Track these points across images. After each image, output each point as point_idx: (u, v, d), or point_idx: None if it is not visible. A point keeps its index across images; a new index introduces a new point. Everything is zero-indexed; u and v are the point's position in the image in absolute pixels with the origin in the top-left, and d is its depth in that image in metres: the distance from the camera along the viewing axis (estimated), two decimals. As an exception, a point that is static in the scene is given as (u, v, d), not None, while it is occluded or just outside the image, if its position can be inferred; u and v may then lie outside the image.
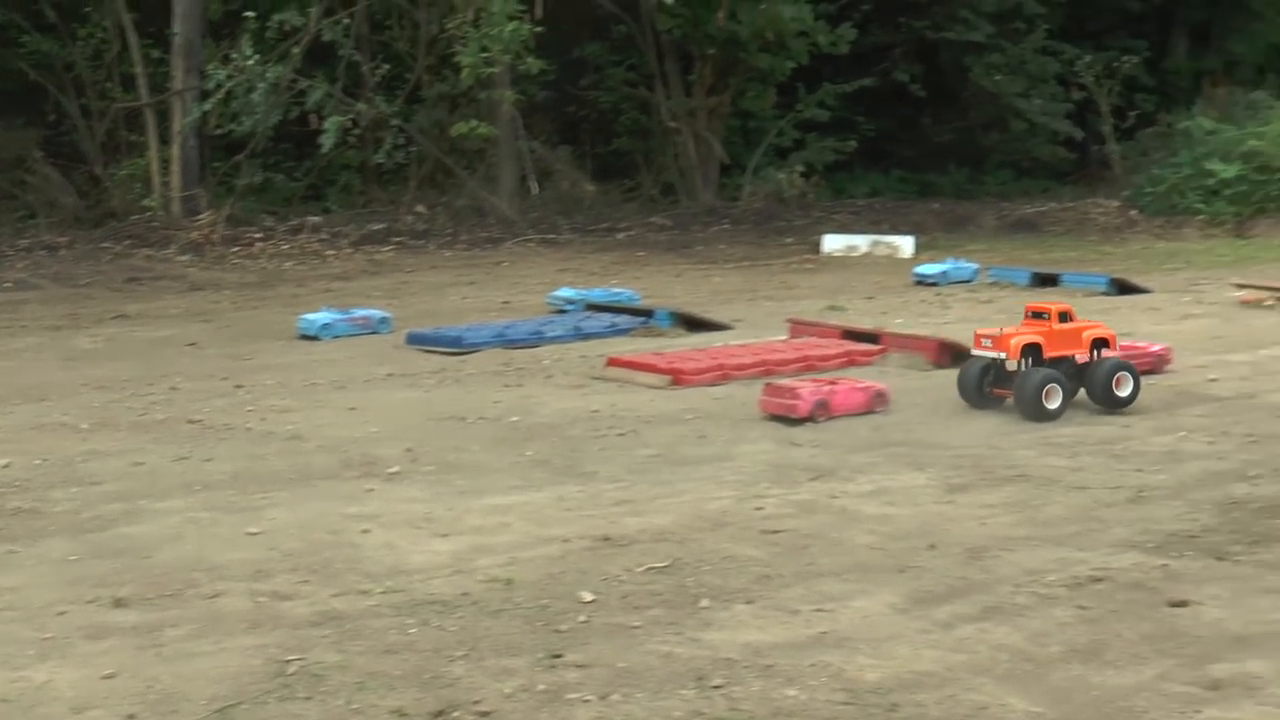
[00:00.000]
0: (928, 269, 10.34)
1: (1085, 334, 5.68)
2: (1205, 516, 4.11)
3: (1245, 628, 3.24)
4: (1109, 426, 5.35)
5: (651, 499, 4.43)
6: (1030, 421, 5.36)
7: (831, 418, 5.46)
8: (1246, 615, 3.31)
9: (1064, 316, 5.68)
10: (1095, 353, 5.68)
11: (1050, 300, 6.39)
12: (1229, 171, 14.19)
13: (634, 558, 3.82)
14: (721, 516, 4.21)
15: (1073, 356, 5.62)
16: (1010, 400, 5.48)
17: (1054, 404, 5.42)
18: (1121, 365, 5.59)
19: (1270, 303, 8.71)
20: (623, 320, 8.11)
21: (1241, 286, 9.18)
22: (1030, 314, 5.76)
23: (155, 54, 14.29)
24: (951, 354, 6.69)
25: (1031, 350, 5.57)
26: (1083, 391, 5.58)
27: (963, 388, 5.68)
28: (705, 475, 4.71)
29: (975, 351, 5.67)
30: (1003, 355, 5.56)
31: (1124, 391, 5.56)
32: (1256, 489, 4.40)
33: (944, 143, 17.95)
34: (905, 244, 12.49)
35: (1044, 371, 5.47)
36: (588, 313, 8.44)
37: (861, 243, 12.60)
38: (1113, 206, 15.17)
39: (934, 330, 7.66)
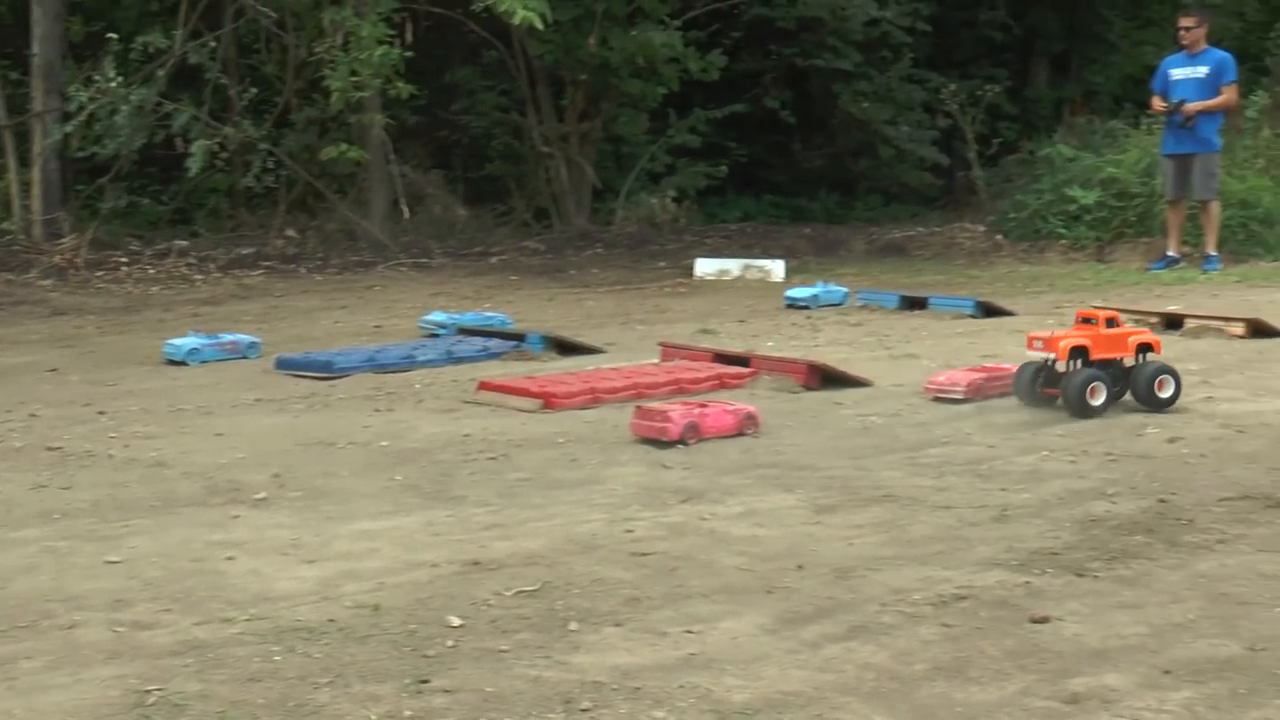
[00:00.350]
0: (799, 292, 10.43)
1: (1131, 339, 6.17)
2: (1066, 534, 4.19)
3: (1103, 642, 3.30)
4: (975, 447, 5.43)
5: (521, 523, 4.40)
6: (1077, 418, 5.78)
7: (702, 440, 5.48)
8: (1104, 630, 3.37)
9: (1111, 323, 6.16)
10: (1140, 356, 6.14)
11: (1099, 308, 6.79)
12: (1089, 198, 14.50)
13: (503, 581, 3.80)
14: (591, 539, 4.20)
15: (1119, 359, 6.09)
16: (1060, 399, 5.94)
17: (1098, 401, 5.87)
18: (1164, 369, 6.04)
19: (1129, 324, 8.90)
20: (495, 344, 8.08)
21: (1100, 309, 9.36)
22: (1080, 319, 6.25)
23: (14, 75, 13.99)
24: (821, 376, 6.76)
25: (1079, 352, 6.00)
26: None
27: (1018, 387, 6.13)
28: (576, 498, 4.70)
29: (1028, 353, 6.12)
30: (1053, 356, 6.01)
31: (1166, 393, 6.01)
32: (1115, 506, 4.49)
33: (815, 168, 18.17)
34: (777, 268, 12.59)
35: (1089, 371, 5.91)
36: (460, 337, 8.39)
37: (733, 266, 12.68)
38: (979, 231, 15.43)
39: (805, 353, 7.73)
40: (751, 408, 5.77)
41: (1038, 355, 6.08)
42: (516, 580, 3.81)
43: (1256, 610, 3.50)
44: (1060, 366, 6.05)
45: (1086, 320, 6.22)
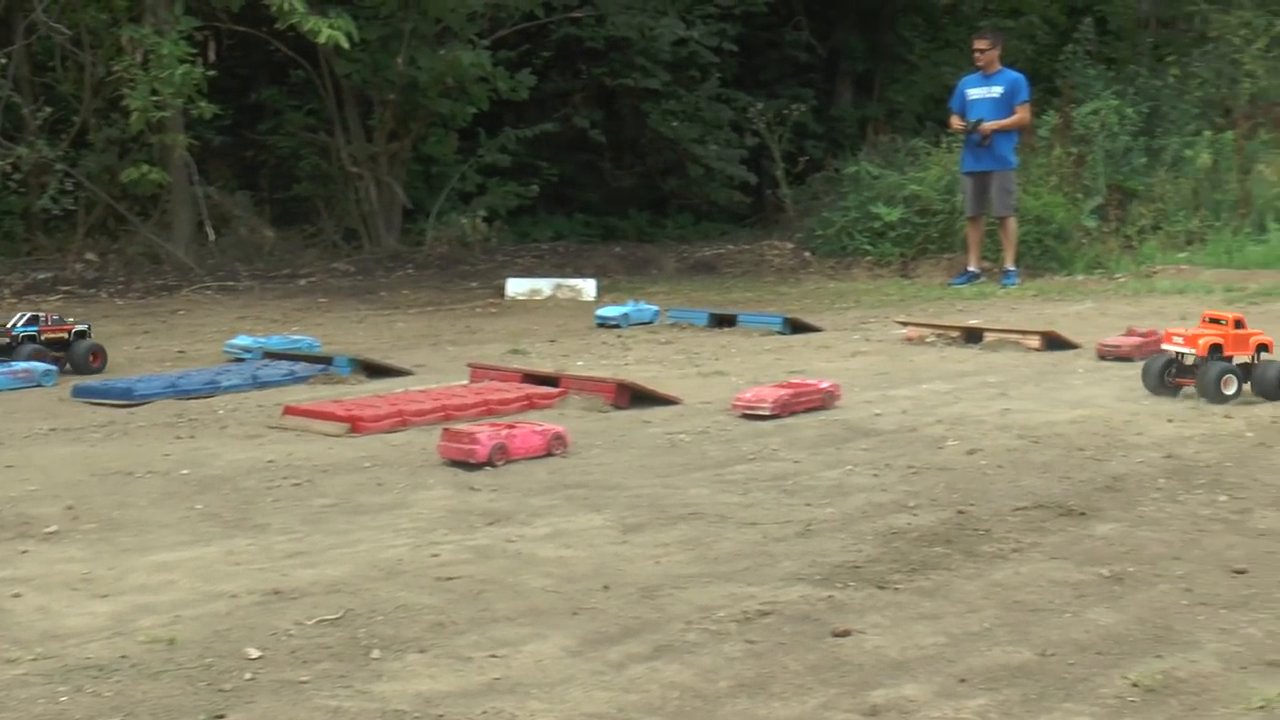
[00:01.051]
0: (609, 311, 10.46)
1: (1252, 339, 6.75)
2: (869, 547, 4.26)
3: (902, 653, 3.35)
4: (781, 463, 5.49)
5: (325, 550, 4.32)
6: (1211, 404, 6.47)
7: (510, 461, 5.45)
8: (904, 641, 3.43)
9: (1238, 324, 6.82)
10: (1258, 355, 6.78)
11: (1227, 310, 7.53)
12: (893, 214, 14.82)
13: (304, 611, 3.72)
14: (396, 565, 4.14)
15: (1247, 357, 6.70)
16: (1191, 388, 6.70)
17: (1230, 390, 6.58)
18: None
19: (931, 339, 9.11)
20: (301, 368, 7.93)
21: (905, 324, 9.57)
22: (1208, 319, 6.89)
23: None
24: (630, 395, 6.78)
25: (1215, 349, 6.62)
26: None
27: (1147, 378, 6.87)
28: (381, 523, 4.63)
29: (1165, 346, 6.85)
30: (1191, 351, 6.69)
31: None
32: (916, 519, 4.57)
33: (625, 187, 18.27)
34: (588, 287, 12.62)
35: (1222, 364, 6.55)
36: (265, 361, 8.22)
37: (545, 286, 12.67)
38: (787, 248, 15.66)
39: (615, 372, 7.75)
40: (560, 428, 5.76)
41: (1174, 349, 6.80)
42: (319, 609, 3.73)
43: (1048, 616, 3.59)
44: (1193, 360, 6.71)
45: (1215, 320, 6.88)
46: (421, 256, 14.96)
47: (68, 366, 8.16)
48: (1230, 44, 18.32)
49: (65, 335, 8.36)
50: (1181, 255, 14.34)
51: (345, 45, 12.76)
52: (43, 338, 8.25)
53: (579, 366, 8.06)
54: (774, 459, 5.55)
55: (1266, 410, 6.42)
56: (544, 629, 3.56)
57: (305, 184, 16.11)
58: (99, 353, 8.41)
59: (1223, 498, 4.80)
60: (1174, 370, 6.84)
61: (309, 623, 3.62)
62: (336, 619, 3.65)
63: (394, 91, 15.05)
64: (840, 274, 14.48)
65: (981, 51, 13.38)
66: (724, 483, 5.13)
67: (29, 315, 8.42)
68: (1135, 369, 7.76)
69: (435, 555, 4.23)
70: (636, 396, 6.79)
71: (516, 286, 12.67)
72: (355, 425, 6.18)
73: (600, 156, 18.18)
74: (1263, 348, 6.84)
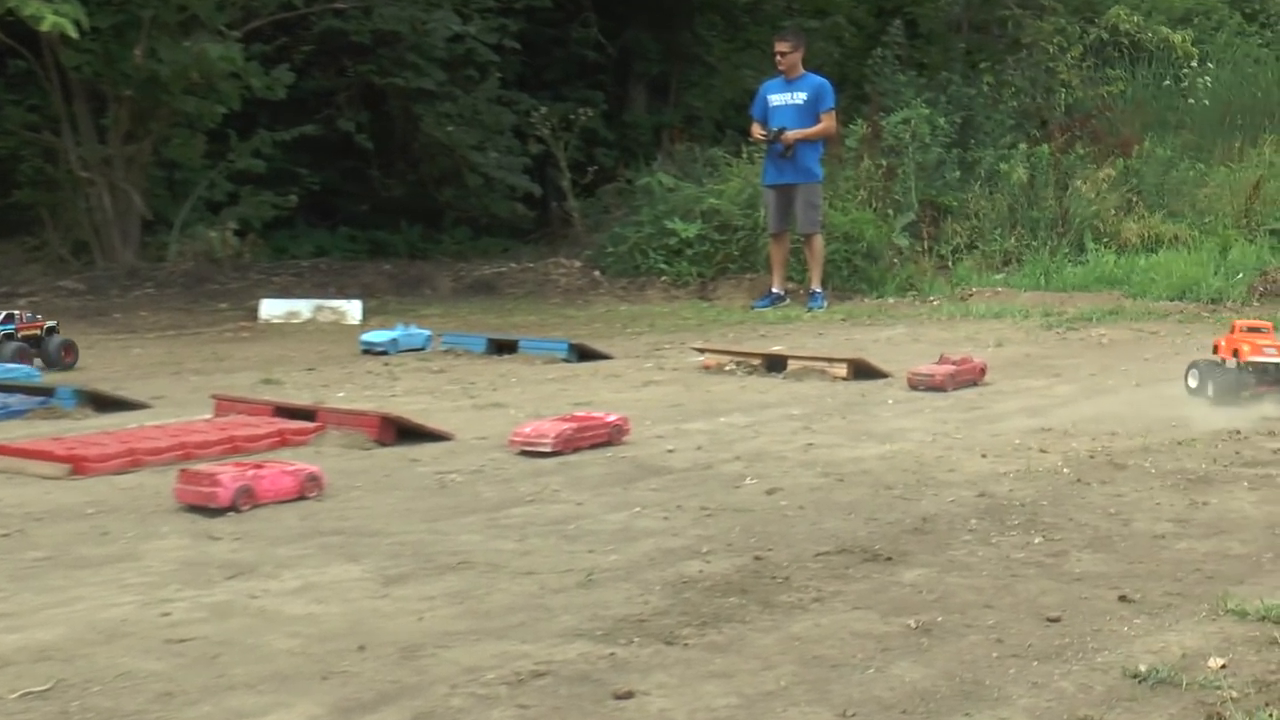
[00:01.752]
0: (376, 336, 10.34)
1: None
2: (656, 598, 4.24)
3: (690, 717, 3.34)
4: (562, 505, 5.46)
5: (35, 610, 4.14)
6: None
7: (257, 505, 5.31)
8: (692, 703, 3.41)
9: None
10: None
11: (1258, 320, 8.47)
12: (690, 231, 14.97)
13: (7, 682, 3.55)
14: (120, 626, 3.99)
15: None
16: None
17: None
18: None
19: (730, 367, 9.20)
20: (17, 400, 7.64)
21: (703, 351, 9.65)
22: (1244, 329, 7.88)
23: None
24: (396, 430, 6.69)
25: None
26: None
27: (1217, 388, 7.63)
28: (105, 578, 4.46)
29: (1255, 358, 7.68)
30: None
31: None
32: (709, 566, 4.58)
33: (395, 197, 18.12)
34: (353, 309, 12.47)
35: None
36: (-27, 393, 7.92)
37: (304, 308, 12.48)
38: (575, 267, 15.70)
39: (380, 404, 7.65)
40: (315, 467, 5.65)
41: (1266, 359, 7.64)
42: (24, 679, 3.56)
43: (849, 673, 3.62)
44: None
45: (1254, 330, 7.86)
46: (163, 274, 14.60)
47: (39, 363, 8.77)
48: (1045, 51, 19.00)
49: (39, 332, 9.08)
50: (998, 277, 14.78)
51: (72, 34, 12.38)
52: (20, 335, 8.85)
53: (340, 398, 7.94)
54: (554, 501, 5.52)
55: (1084, 444, 6.62)
56: (288, 696, 3.45)
57: (27, 190, 15.58)
58: (71, 348, 9.13)
59: (1037, 539, 4.92)
60: (1253, 381, 7.69)
61: (11, 696, 3.46)
62: (45, 690, 3.49)
63: (131, 87, 14.65)
64: (633, 295, 14.56)
65: (783, 55, 13.61)
66: (498, 527, 5.08)
67: (4, 314, 8.93)
68: (948, 400, 7.95)
69: (166, 614, 4.09)
70: (403, 432, 6.70)
71: (271, 308, 12.45)
72: (77, 466, 5.97)
73: (367, 163, 17.99)
74: None
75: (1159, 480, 5.90)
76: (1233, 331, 8.00)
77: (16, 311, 9.23)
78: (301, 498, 5.47)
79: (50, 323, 9.31)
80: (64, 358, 9.10)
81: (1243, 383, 7.69)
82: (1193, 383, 7.85)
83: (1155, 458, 6.36)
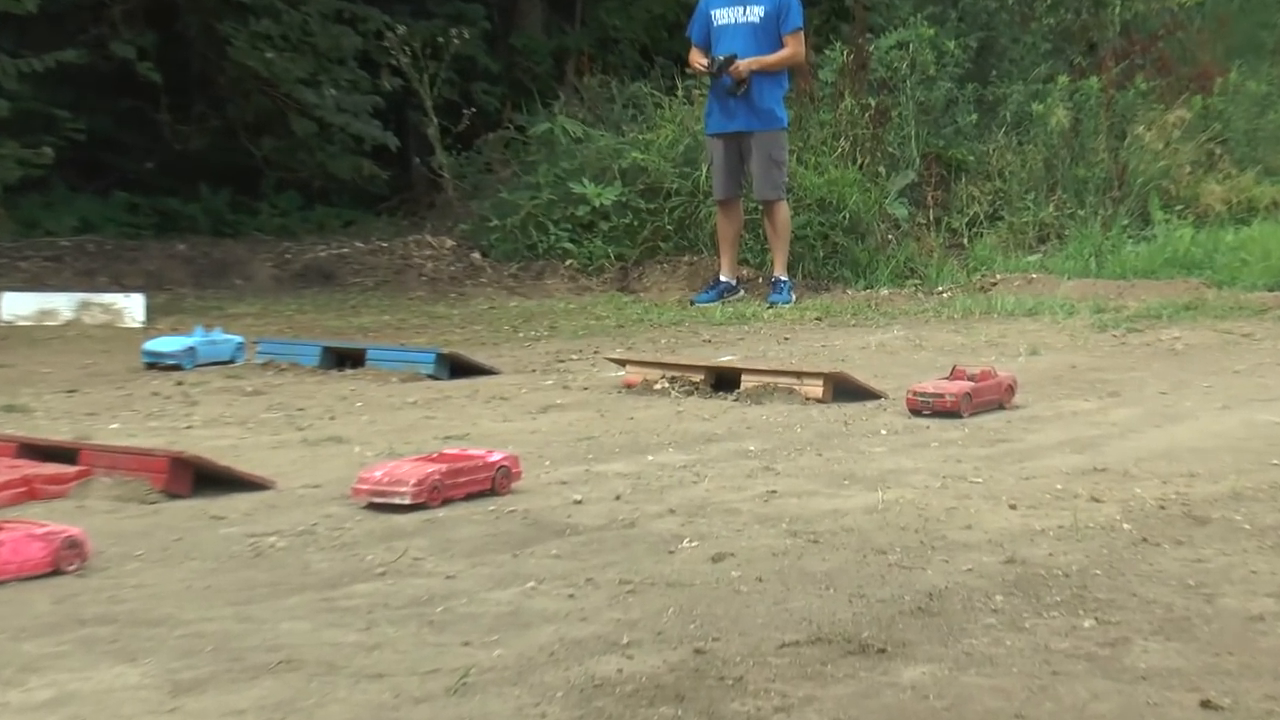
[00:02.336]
0: (166, 345, 10.28)
1: None
2: (557, 709, 4.21)
3: None
4: (427, 579, 5.41)
5: None
6: None
7: (-5, 585, 5.25)
8: None
9: None
10: None
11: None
12: (606, 196, 14.99)
13: None
14: None
15: None
16: None
17: None
18: None
19: (662, 385, 9.18)
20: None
21: (624, 363, 9.63)
22: None
23: None
24: (194, 475, 6.62)
25: None
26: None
27: None
28: None
29: None
30: None
31: None
32: (631, 663, 4.55)
33: (194, 151, 18.03)
34: (133, 306, 12.40)
35: None
36: None
37: (63, 304, 12.41)
38: (447, 247, 15.70)
39: (171, 440, 7.58)
40: (75, 530, 5.57)
41: None
42: None
43: (830, 812, 3.59)
44: None
45: None
46: None
47: None
48: (1094, -52, 19.16)
49: None
50: (1031, 259, 14.91)
51: None
52: None
53: (113, 431, 7.86)
54: (415, 573, 5.47)
55: (1150, 490, 6.64)
56: None
57: None
58: None
59: (1088, 623, 4.91)
60: None
61: None
62: None
63: None
64: (527, 286, 14.56)
65: (734, -47, 13.65)
66: (336, 611, 5.03)
67: None
68: (964, 430, 7.97)
69: None
70: (203, 478, 6.64)
71: (16, 305, 12.37)
72: None
73: (153, 104, 17.90)
74: None
75: (1255, 540, 5.92)
76: None
77: None
78: (56, 572, 5.39)
79: None
80: None
81: None
82: None
83: (1250, 509, 6.39)
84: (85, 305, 12.43)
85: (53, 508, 6.30)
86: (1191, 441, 7.74)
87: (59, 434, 7.60)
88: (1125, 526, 6.08)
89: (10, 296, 12.55)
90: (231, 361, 10.29)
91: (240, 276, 14.80)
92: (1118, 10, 18.67)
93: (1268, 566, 5.57)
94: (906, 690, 4.36)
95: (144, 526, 6.09)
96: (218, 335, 10.50)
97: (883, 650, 4.66)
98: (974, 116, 16.47)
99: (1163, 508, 6.38)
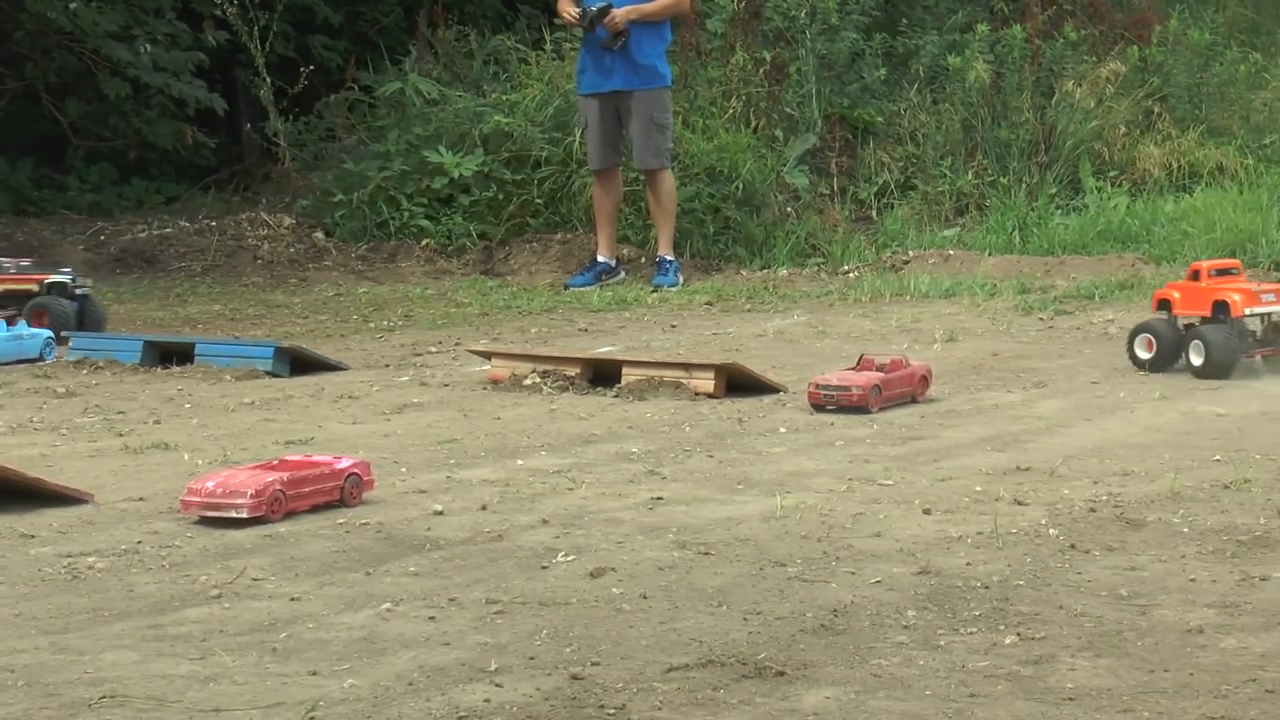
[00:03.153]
0: (-38, 341, 10.23)
1: None
2: (417, 746, 4.27)
3: None
4: (268, 601, 5.45)
5: None
6: None
7: None
8: None
9: None
10: None
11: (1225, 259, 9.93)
12: (467, 166, 15.02)
13: None
14: None
15: None
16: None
17: None
18: None
19: (533, 380, 9.23)
20: None
21: (489, 355, 9.68)
22: (1214, 272, 9.37)
23: None
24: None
25: None
26: None
27: (1225, 352, 9.04)
28: None
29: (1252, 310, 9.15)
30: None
31: None
32: (500, 691, 4.61)
33: (-9, 117, 17.92)
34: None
35: None
36: None
37: None
38: (285, 225, 15.67)
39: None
40: None
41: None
42: None
43: None
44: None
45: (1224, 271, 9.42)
46: None
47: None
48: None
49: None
50: (948, 234, 15.04)
51: None
52: None
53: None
54: (255, 595, 5.51)
55: (1080, 491, 6.76)
56: None
57: None
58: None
59: (1009, 639, 5.00)
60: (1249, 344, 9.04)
61: None
62: None
63: None
64: (378, 269, 14.56)
65: (605, -115, 13.65)
66: (165, 640, 5.07)
67: None
68: (873, 426, 8.08)
69: None
70: (11, 491, 6.63)
71: None
72: None
73: (-62, 64, 17.76)
74: None
75: (1195, 545, 6.02)
76: (1197, 278, 9.15)
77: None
78: None
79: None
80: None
81: (1236, 346, 8.82)
82: (1143, 353, 9.10)
83: (1189, 510, 6.50)
84: None
85: None
86: (1126, 436, 7.87)
87: None
88: (1051, 532, 6.18)
89: None
90: (40, 359, 10.24)
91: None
92: (1044, -50, 18.81)
93: (1208, 574, 5.69)
94: (809, 717, 4.45)
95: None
96: (23, 329, 10.44)
97: (782, 673, 4.74)
98: (882, 72, 16.59)
99: (1093, 510, 6.49)
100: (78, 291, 10.89)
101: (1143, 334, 9.39)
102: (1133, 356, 9.44)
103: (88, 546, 6.09)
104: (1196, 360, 9.11)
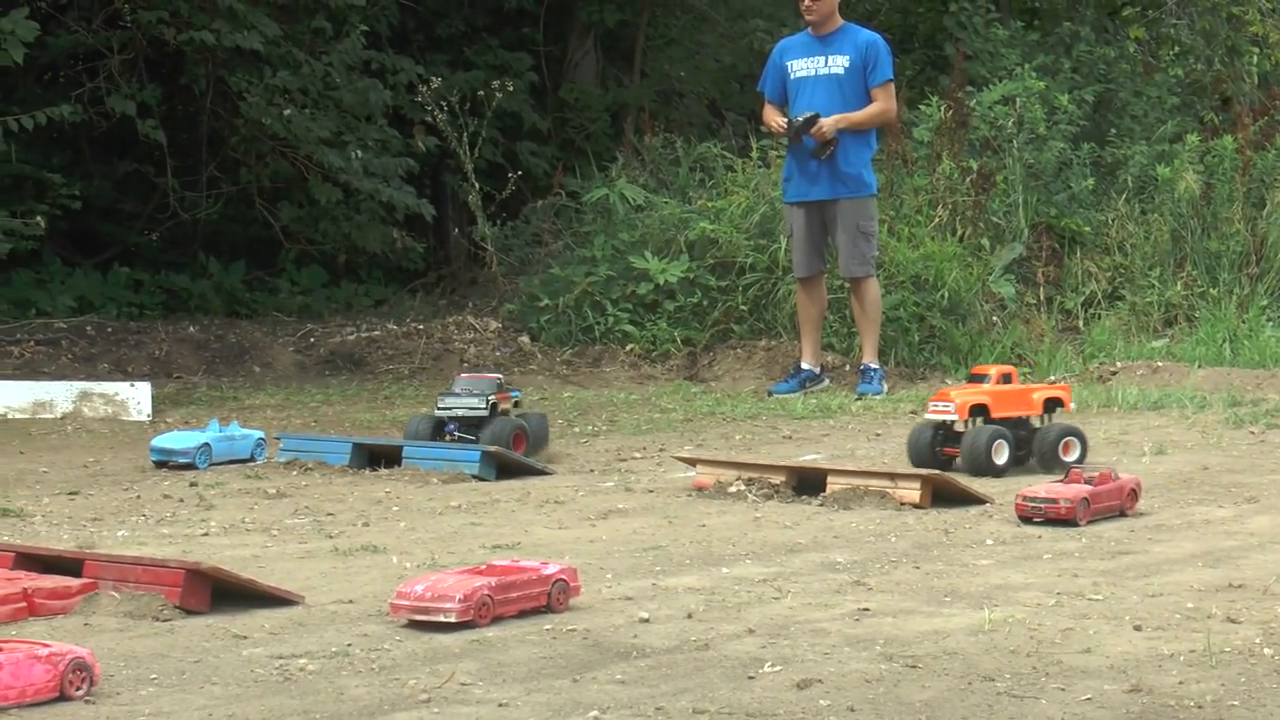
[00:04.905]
0: (177, 441, 10.34)
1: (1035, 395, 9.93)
2: None
3: None
4: (476, 707, 5.48)
5: None
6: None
7: (-7, 712, 5.33)
8: None
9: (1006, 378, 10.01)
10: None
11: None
12: (672, 272, 15.05)
13: None
14: None
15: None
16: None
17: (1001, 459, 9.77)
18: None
19: (738, 487, 9.22)
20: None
21: (694, 462, 9.68)
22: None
23: None
24: (211, 589, 6.70)
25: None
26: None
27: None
28: None
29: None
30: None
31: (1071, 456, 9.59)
32: (705, 805, 4.62)
33: (204, 221, 18.11)
34: (139, 396, 12.45)
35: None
36: None
37: (60, 395, 12.47)
38: (491, 329, 15.77)
39: (185, 549, 7.68)
40: (83, 650, 5.65)
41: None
42: None
43: None
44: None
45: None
46: None
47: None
48: (1226, -7, 19.19)
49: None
50: (1156, 344, 14.90)
51: None
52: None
53: (120, 539, 7.94)
54: (463, 700, 5.53)
55: (1294, 607, 6.67)
56: None
57: None
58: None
59: (1225, 761, 4.95)
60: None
61: None
62: None
63: None
64: (582, 374, 14.61)
65: (813, -1, 13.66)
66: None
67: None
68: (1081, 540, 8.01)
69: None
70: (223, 592, 6.70)
71: (9, 395, 12.44)
72: None
73: (158, 167, 17.99)
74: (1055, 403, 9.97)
75: None
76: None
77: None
78: (62, 697, 5.46)
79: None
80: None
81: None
82: (1000, 459, 9.72)
83: (1407, 630, 6.42)
84: (85, 396, 12.48)
85: (56, 625, 6.38)
86: (1342, 554, 7.76)
87: (60, 542, 7.70)
88: (1266, 651, 6.10)
89: (1, 386, 12.64)
90: (250, 460, 10.38)
91: (258, 363, 14.89)
92: (1255, 60, 18.69)
93: None
94: (1019, 835, 4.41)
95: (158, 646, 6.16)
96: (234, 430, 10.57)
97: (992, 790, 4.71)
98: (1090, 181, 16.51)
99: (1309, 627, 6.42)
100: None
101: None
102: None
103: (299, 648, 6.15)
104: None
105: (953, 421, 9.83)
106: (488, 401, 10.39)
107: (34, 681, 5.47)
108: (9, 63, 15.34)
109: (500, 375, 10.90)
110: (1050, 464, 9.74)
